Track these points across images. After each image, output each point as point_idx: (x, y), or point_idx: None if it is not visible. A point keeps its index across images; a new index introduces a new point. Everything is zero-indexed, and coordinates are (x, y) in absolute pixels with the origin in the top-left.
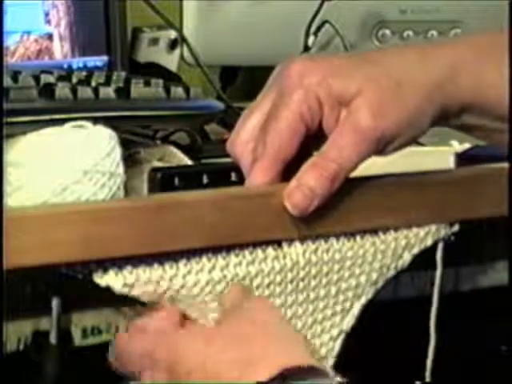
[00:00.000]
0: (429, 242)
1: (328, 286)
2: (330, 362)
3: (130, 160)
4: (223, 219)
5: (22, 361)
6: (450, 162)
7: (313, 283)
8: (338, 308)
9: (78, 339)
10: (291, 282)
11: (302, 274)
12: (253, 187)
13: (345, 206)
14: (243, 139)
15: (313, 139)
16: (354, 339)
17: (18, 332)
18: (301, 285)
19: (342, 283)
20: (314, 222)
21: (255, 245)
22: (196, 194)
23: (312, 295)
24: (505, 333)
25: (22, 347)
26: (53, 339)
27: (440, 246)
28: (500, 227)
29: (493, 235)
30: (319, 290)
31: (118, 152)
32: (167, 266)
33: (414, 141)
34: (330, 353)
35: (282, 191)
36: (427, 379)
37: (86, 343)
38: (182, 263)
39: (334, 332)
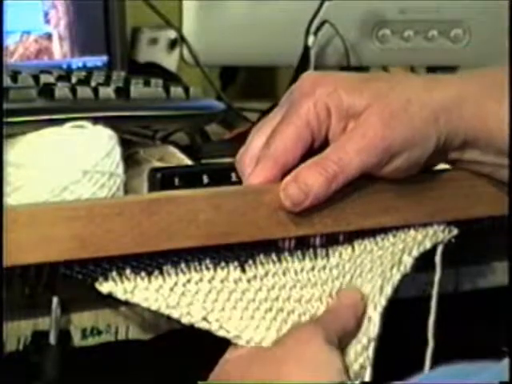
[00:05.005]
0: (428, 245)
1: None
2: (369, 371)
3: (130, 160)
4: (217, 217)
5: (22, 361)
6: None
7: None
8: None
9: (77, 340)
10: (299, 300)
11: (307, 294)
12: (248, 185)
13: (343, 205)
14: (251, 155)
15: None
16: None
17: (18, 332)
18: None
19: None
20: (311, 221)
21: (253, 252)
22: (190, 191)
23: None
24: (505, 333)
25: (21, 347)
26: (52, 340)
27: (439, 249)
28: (500, 228)
29: (493, 236)
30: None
31: (117, 152)
32: (166, 274)
33: (415, 165)
34: (366, 362)
35: (277, 189)
36: None
37: (86, 344)
38: (180, 271)
39: (364, 341)
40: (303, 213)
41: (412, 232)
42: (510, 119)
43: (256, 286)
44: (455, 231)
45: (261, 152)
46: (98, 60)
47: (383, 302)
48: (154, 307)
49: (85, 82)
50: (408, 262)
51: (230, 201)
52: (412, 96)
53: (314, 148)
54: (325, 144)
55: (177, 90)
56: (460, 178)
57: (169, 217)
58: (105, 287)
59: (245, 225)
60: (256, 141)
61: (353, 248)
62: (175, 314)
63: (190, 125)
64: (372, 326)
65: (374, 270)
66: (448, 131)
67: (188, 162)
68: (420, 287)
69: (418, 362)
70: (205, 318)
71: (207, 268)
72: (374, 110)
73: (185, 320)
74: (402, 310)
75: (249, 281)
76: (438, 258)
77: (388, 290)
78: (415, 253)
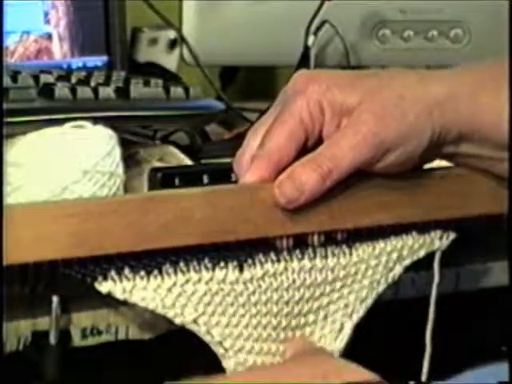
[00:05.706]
0: (422, 253)
1: (318, 310)
2: None
3: (130, 160)
4: (213, 214)
5: (22, 361)
6: None
7: (306, 307)
8: (327, 330)
9: (77, 339)
10: (287, 303)
11: (297, 295)
12: (243, 183)
13: (339, 202)
14: (247, 157)
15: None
16: (353, 339)
17: (18, 332)
18: (295, 309)
19: (331, 306)
20: (307, 218)
21: (252, 252)
22: (186, 190)
23: (303, 320)
24: (505, 333)
25: (21, 347)
26: (52, 339)
27: (437, 255)
28: (500, 227)
29: (493, 235)
30: (309, 315)
31: (117, 152)
32: (165, 274)
33: (410, 160)
34: None
35: (272, 187)
36: (425, 379)
37: (86, 343)
38: (180, 271)
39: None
40: (299, 210)
41: (410, 240)
42: (510, 115)
43: (251, 288)
44: (452, 236)
45: (255, 152)
46: (98, 60)
47: (361, 311)
48: (150, 307)
49: (85, 82)
50: (398, 271)
51: (225, 199)
52: (405, 91)
53: (309, 146)
54: (319, 142)
55: (177, 90)
56: (457, 176)
57: (165, 215)
58: (104, 287)
59: (240, 222)
60: (252, 142)
61: (350, 253)
62: (170, 314)
63: (189, 125)
64: (341, 336)
65: (363, 281)
66: (442, 125)
67: (188, 161)
68: (420, 288)
69: (418, 362)
70: (195, 321)
71: (206, 268)
72: (366, 106)
73: (178, 320)
74: (402, 310)
75: (245, 283)
76: (436, 265)
77: (369, 301)
78: (407, 262)
